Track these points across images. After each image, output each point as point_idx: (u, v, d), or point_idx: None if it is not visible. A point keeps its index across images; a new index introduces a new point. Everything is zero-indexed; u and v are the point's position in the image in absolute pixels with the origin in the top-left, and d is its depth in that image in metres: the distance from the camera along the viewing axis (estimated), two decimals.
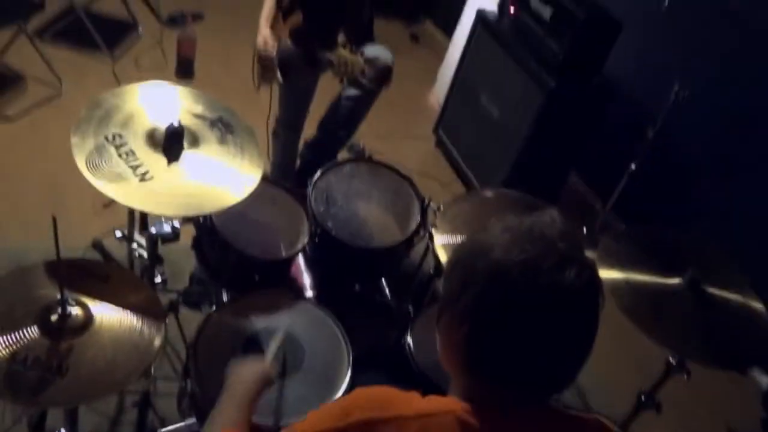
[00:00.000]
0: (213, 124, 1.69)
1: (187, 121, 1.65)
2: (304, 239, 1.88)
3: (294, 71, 2.35)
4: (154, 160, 1.54)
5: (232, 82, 3.08)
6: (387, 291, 2.18)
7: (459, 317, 0.86)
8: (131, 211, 1.91)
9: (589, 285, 0.83)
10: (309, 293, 1.99)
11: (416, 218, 2.03)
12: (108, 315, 1.42)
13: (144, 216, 1.93)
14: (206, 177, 1.57)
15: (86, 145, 1.52)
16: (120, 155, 1.52)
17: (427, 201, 2.06)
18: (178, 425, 1.85)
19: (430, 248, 2.07)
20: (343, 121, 2.61)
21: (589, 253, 0.87)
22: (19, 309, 1.37)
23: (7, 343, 1.29)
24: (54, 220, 1.21)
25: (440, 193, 3.24)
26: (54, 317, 1.36)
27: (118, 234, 1.98)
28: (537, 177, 2.83)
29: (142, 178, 1.49)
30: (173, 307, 1.79)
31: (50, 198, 2.72)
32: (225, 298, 1.98)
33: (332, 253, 1.97)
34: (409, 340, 1.75)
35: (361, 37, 2.44)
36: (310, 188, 1.98)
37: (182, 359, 1.95)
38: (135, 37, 3.83)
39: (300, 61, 2.33)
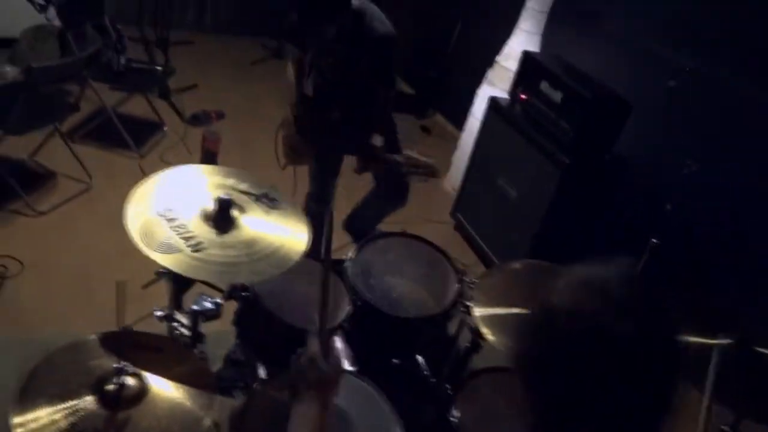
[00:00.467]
0: (258, 199, 1.76)
1: (235, 196, 1.71)
2: (346, 310, 1.90)
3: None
4: (205, 232, 1.59)
5: (254, 169, 3.21)
6: (424, 365, 2.16)
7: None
8: (174, 289, 1.93)
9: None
10: (348, 367, 1.97)
11: (453, 290, 2.05)
12: (162, 386, 1.42)
13: (179, 295, 1.96)
14: (254, 247, 1.61)
15: (139, 220, 1.58)
16: (173, 228, 1.58)
17: (462, 273, 2.08)
18: None
19: (465, 322, 2.08)
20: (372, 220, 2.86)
21: None
22: (74, 380, 1.37)
23: (66, 413, 1.28)
24: (120, 285, 1.24)
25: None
26: (110, 387, 1.36)
27: (159, 313, 1.99)
28: (558, 251, 2.87)
29: (195, 248, 1.54)
30: None
31: (80, 289, 2.74)
32: (263, 375, 1.96)
33: (371, 325, 1.98)
34: (455, 414, 1.72)
35: (392, 133, 2.62)
36: (347, 262, 2.02)
37: None
38: (160, 134, 4.00)
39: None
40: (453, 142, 4.28)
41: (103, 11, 3.91)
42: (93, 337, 1.47)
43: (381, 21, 2.46)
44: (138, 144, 3.75)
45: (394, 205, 3.00)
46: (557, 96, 3.08)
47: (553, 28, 3.68)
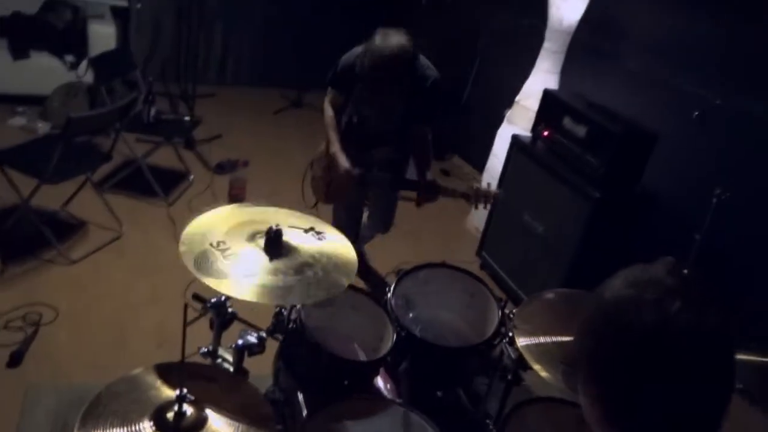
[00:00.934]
0: (306, 231, 1.79)
1: (285, 228, 1.74)
2: (390, 341, 1.89)
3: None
4: (258, 259, 1.62)
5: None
6: (466, 397, 2.13)
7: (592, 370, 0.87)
8: (218, 323, 1.94)
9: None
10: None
11: (496, 319, 2.05)
12: (220, 416, 1.41)
13: (221, 331, 1.97)
14: (302, 273, 1.64)
15: (194, 252, 1.60)
16: (225, 258, 1.60)
17: (503, 302, 2.08)
18: None
19: (505, 352, 2.06)
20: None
21: None
22: (134, 409, 1.37)
23: None
24: (186, 307, 1.25)
25: None
26: (170, 415, 1.35)
27: (203, 350, 1.99)
28: (590, 284, 2.85)
29: (247, 275, 1.56)
30: None
31: (113, 336, 2.75)
32: (303, 412, 1.94)
33: (415, 356, 1.96)
34: None
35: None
36: (389, 294, 2.03)
37: None
38: (187, 183, 4.07)
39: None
40: (472, 183, 4.32)
41: (135, 65, 4.05)
42: (150, 368, 1.47)
43: (429, 66, 2.55)
44: (166, 192, 3.82)
45: (379, 231, 3.24)
46: (581, 131, 3.13)
47: (570, 66, 3.77)
